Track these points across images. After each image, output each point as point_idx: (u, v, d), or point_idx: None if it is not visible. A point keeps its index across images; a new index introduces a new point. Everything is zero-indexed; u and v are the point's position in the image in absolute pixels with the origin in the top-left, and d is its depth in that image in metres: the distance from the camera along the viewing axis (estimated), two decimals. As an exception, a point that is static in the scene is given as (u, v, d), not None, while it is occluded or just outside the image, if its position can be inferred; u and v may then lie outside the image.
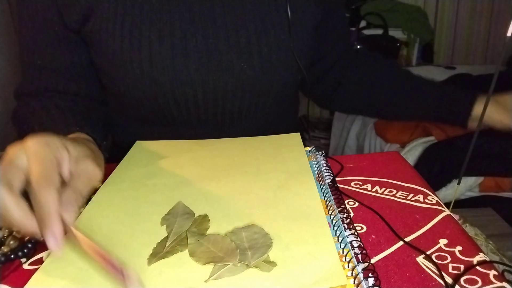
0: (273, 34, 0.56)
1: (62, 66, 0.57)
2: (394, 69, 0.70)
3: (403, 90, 0.68)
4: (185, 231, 0.36)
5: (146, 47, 0.53)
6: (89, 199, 0.43)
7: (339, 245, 0.34)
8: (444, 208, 0.41)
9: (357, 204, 0.42)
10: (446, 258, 0.34)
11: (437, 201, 0.43)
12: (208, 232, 0.36)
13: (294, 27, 0.57)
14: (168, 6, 0.53)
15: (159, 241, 0.35)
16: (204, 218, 0.38)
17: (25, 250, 0.35)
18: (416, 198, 0.43)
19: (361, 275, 0.31)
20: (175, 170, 0.48)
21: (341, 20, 0.70)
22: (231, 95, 0.58)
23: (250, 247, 0.34)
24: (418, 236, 0.37)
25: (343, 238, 0.35)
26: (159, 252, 0.34)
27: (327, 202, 0.41)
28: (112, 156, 0.53)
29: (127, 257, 0.33)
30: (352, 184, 0.47)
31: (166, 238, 0.36)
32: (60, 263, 0.33)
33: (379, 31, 2.02)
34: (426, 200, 0.43)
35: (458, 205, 0.49)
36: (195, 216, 0.39)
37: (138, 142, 0.57)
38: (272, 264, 0.32)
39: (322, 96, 0.75)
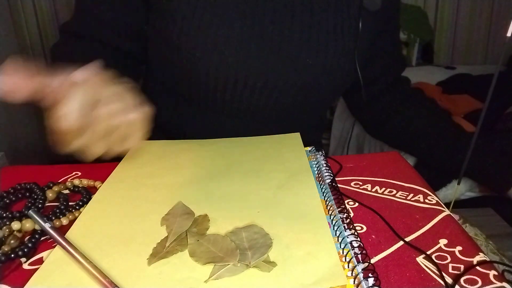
0: (341, 38, 0.58)
1: (114, 21, 0.58)
2: (445, 118, 0.70)
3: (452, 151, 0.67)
4: (185, 231, 0.36)
5: (225, 25, 0.53)
6: (89, 199, 0.43)
7: (339, 245, 0.34)
8: (444, 208, 0.41)
9: (357, 204, 0.42)
10: (446, 258, 0.34)
11: (437, 201, 0.43)
12: (208, 232, 0.36)
13: (361, 37, 0.59)
14: None
15: (159, 241, 0.35)
16: (204, 218, 0.38)
17: (25, 250, 0.35)
18: (416, 198, 0.43)
19: (361, 275, 0.31)
20: (176, 170, 0.48)
21: (396, 40, 0.71)
22: (287, 89, 0.59)
23: (250, 247, 0.34)
24: (418, 236, 0.37)
25: (343, 238, 0.35)
26: (159, 252, 0.34)
27: (327, 202, 0.41)
28: None
29: (127, 257, 0.33)
30: (352, 184, 0.47)
31: (166, 238, 0.35)
32: (60, 263, 0.33)
33: (379, 31, 2.01)
34: (426, 200, 0.43)
35: (458, 205, 0.49)
36: (195, 216, 0.39)
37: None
38: (272, 264, 0.32)
39: (371, 121, 0.76)
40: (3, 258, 0.34)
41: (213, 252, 0.33)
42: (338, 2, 0.58)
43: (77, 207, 0.42)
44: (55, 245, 0.35)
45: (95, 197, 0.43)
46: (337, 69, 0.59)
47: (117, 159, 0.51)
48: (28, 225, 0.38)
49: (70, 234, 0.37)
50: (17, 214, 0.40)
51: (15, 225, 0.38)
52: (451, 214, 0.40)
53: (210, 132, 0.63)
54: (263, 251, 0.33)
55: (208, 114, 0.63)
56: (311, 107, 0.65)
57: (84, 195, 0.44)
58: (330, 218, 0.38)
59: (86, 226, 0.38)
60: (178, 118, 0.65)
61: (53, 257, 0.34)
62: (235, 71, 0.56)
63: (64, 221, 0.40)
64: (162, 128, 0.68)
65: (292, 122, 0.66)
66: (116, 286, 0.30)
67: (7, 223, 0.39)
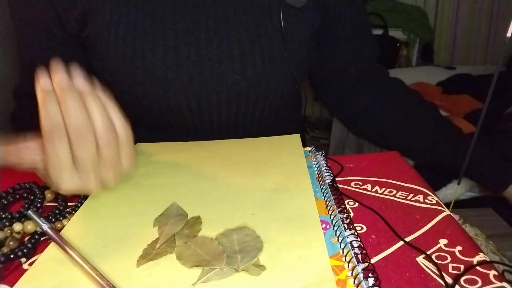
0: (267, 44, 0.55)
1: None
2: (434, 113, 0.67)
3: (442, 144, 0.64)
4: (175, 233, 0.36)
5: (139, 55, 0.53)
6: (84, 199, 0.43)
7: (339, 245, 0.34)
8: (444, 208, 0.41)
9: (357, 204, 0.42)
10: (446, 258, 0.34)
11: (437, 201, 0.42)
12: (200, 233, 0.36)
13: (289, 36, 0.56)
14: (162, 15, 0.53)
15: (149, 242, 0.35)
16: (197, 219, 0.38)
17: (25, 250, 0.35)
18: (416, 198, 0.43)
19: (361, 275, 0.31)
20: (172, 171, 0.48)
21: (358, 24, 0.64)
22: (225, 105, 0.58)
23: (240, 250, 0.33)
24: (418, 236, 0.37)
25: (343, 238, 0.35)
26: (149, 254, 0.33)
27: (327, 202, 0.41)
28: None
29: (117, 258, 0.33)
30: (352, 184, 0.47)
31: (157, 239, 0.35)
32: (50, 264, 0.33)
33: (379, 31, 2.01)
34: (426, 200, 0.43)
35: (458, 205, 0.49)
36: (188, 218, 0.38)
37: (137, 144, 0.57)
38: (262, 268, 0.31)
39: (349, 120, 0.73)
40: (2, 258, 0.34)
41: (200, 255, 0.33)
42: (256, 7, 0.55)
43: (76, 209, 0.42)
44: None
45: (90, 197, 0.43)
46: (271, 77, 0.56)
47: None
48: (29, 227, 0.38)
49: (64, 234, 0.37)
50: (16, 215, 0.40)
51: (17, 226, 0.38)
52: (451, 214, 0.40)
53: None
54: (253, 255, 0.32)
55: (166, 135, 0.62)
56: (268, 112, 0.62)
57: (82, 197, 0.44)
58: (330, 218, 0.38)
59: (79, 226, 0.38)
60: (139, 141, 0.62)
61: (43, 258, 0.34)
62: (167, 99, 0.55)
63: (65, 222, 0.40)
64: None
65: (258, 128, 0.63)
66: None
67: (6, 224, 0.39)
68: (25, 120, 0.56)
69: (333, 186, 0.44)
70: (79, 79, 0.36)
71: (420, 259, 0.34)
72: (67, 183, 0.36)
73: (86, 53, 0.57)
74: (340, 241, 0.35)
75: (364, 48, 0.66)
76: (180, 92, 0.55)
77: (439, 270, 0.32)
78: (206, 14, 0.54)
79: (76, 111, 0.35)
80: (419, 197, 0.43)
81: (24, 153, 0.37)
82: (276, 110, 0.63)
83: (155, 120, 0.59)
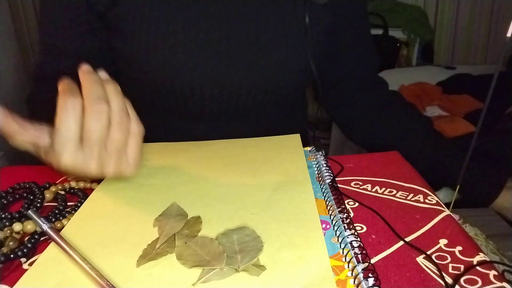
0: (290, 36, 0.57)
1: (80, 49, 0.57)
2: (428, 125, 0.68)
3: (433, 155, 0.65)
4: (175, 233, 0.36)
5: (171, 35, 0.53)
6: (84, 199, 0.43)
7: (339, 245, 0.34)
8: (444, 208, 0.41)
9: (357, 204, 0.42)
10: (446, 258, 0.34)
11: (437, 201, 0.42)
12: (200, 234, 0.36)
13: (310, 32, 0.58)
14: None
15: (149, 242, 0.35)
16: (197, 219, 0.38)
17: (25, 250, 0.35)
18: (416, 198, 0.43)
19: (361, 275, 0.31)
20: (172, 171, 0.48)
21: (362, 33, 0.67)
22: (246, 92, 0.59)
23: (240, 250, 0.33)
24: (418, 236, 0.37)
25: (343, 238, 0.35)
26: (149, 254, 0.33)
27: (327, 202, 0.41)
28: None
29: (117, 258, 0.33)
30: (352, 184, 0.47)
31: (157, 239, 0.35)
32: (50, 263, 0.33)
33: (379, 31, 2.02)
34: (426, 200, 0.43)
35: (458, 205, 0.49)
36: (188, 218, 0.38)
37: None
38: (262, 268, 0.31)
39: (346, 125, 0.75)
40: (2, 258, 0.34)
41: (200, 255, 0.33)
42: (283, 0, 0.57)
43: (76, 208, 0.42)
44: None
45: (90, 197, 0.43)
46: (291, 68, 0.59)
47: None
48: (29, 226, 0.38)
49: (63, 233, 0.37)
50: (16, 215, 0.40)
51: (17, 226, 0.38)
52: (451, 214, 0.40)
53: (184, 138, 0.63)
54: (253, 255, 0.32)
55: (179, 122, 0.63)
56: (278, 105, 0.64)
57: (82, 197, 0.44)
58: (330, 218, 0.38)
59: (79, 226, 0.38)
60: (151, 128, 0.63)
61: (43, 257, 0.34)
62: (188, 80, 0.56)
63: (65, 222, 0.40)
64: None
65: (264, 120, 0.65)
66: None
67: (6, 223, 0.39)
68: (41, 103, 0.55)
69: (333, 186, 0.44)
70: (102, 72, 0.38)
71: (420, 259, 0.34)
72: (68, 156, 0.35)
73: (108, 35, 0.57)
74: (340, 241, 0.35)
75: (367, 57, 0.69)
76: (205, 75, 0.56)
77: (439, 270, 0.32)
78: (237, 2, 0.55)
79: (96, 83, 0.36)
80: (419, 197, 0.43)
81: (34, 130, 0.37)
82: (288, 103, 0.65)
83: (171, 104, 0.60)
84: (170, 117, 0.63)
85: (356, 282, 0.30)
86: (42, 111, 0.50)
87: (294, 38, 0.57)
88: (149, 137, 0.66)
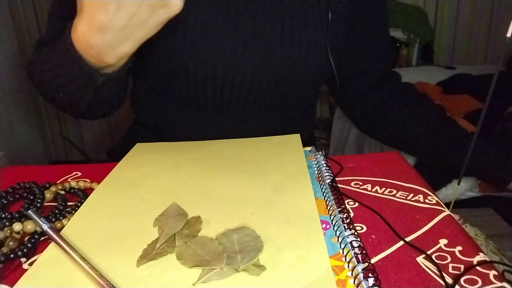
0: (312, 30, 0.58)
1: None
2: (441, 114, 0.69)
3: (446, 140, 0.66)
4: (175, 233, 0.36)
5: (202, 23, 0.54)
6: (84, 199, 0.43)
7: (339, 245, 0.34)
8: (444, 208, 0.41)
9: (357, 204, 0.42)
10: (446, 258, 0.34)
11: (437, 201, 0.42)
12: (200, 234, 0.36)
13: (332, 26, 0.60)
14: None
15: (150, 242, 0.35)
16: (197, 219, 0.38)
17: (25, 250, 0.35)
18: (416, 198, 0.43)
19: (361, 275, 0.31)
20: (173, 171, 0.48)
21: (380, 30, 0.69)
22: (266, 82, 0.60)
23: (240, 250, 0.33)
24: (418, 236, 0.37)
25: (343, 238, 0.35)
26: (149, 254, 0.33)
27: (327, 202, 0.41)
28: (133, 136, 0.52)
29: (117, 258, 0.33)
30: (352, 184, 0.47)
31: (157, 239, 0.35)
32: (50, 263, 0.33)
33: (379, 31, 2.01)
34: (426, 200, 0.43)
35: (458, 205, 0.49)
36: (188, 218, 0.38)
37: (138, 144, 0.57)
38: (262, 268, 0.31)
39: (364, 118, 0.75)
40: (2, 258, 0.34)
41: (200, 255, 0.33)
42: None
43: (76, 208, 0.42)
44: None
45: (91, 197, 0.43)
46: (311, 61, 0.60)
47: (117, 159, 0.51)
48: (29, 226, 0.38)
49: (63, 233, 0.37)
50: (16, 215, 0.40)
51: (17, 226, 0.38)
52: (451, 214, 0.40)
53: (198, 128, 0.64)
54: (253, 255, 0.32)
55: (194, 111, 0.64)
56: (293, 100, 0.66)
57: (82, 197, 0.44)
58: (330, 218, 0.38)
59: (79, 226, 0.38)
60: (166, 117, 0.66)
61: (43, 257, 0.34)
62: (212, 67, 0.57)
63: (65, 222, 0.40)
64: (151, 128, 0.68)
65: (277, 115, 0.66)
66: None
67: (6, 223, 0.39)
68: (42, 64, 0.54)
69: (333, 186, 0.44)
70: None
71: (420, 259, 0.34)
72: None
73: None
74: (340, 241, 0.35)
75: (384, 53, 0.70)
76: (230, 63, 0.57)
77: (439, 270, 0.32)
78: None
79: None
80: (419, 197, 0.43)
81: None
82: (303, 98, 0.67)
83: (190, 91, 0.61)
84: (187, 105, 0.63)
85: (356, 282, 0.30)
86: (45, 72, 0.48)
87: (315, 32, 0.59)
88: (164, 124, 0.67)
